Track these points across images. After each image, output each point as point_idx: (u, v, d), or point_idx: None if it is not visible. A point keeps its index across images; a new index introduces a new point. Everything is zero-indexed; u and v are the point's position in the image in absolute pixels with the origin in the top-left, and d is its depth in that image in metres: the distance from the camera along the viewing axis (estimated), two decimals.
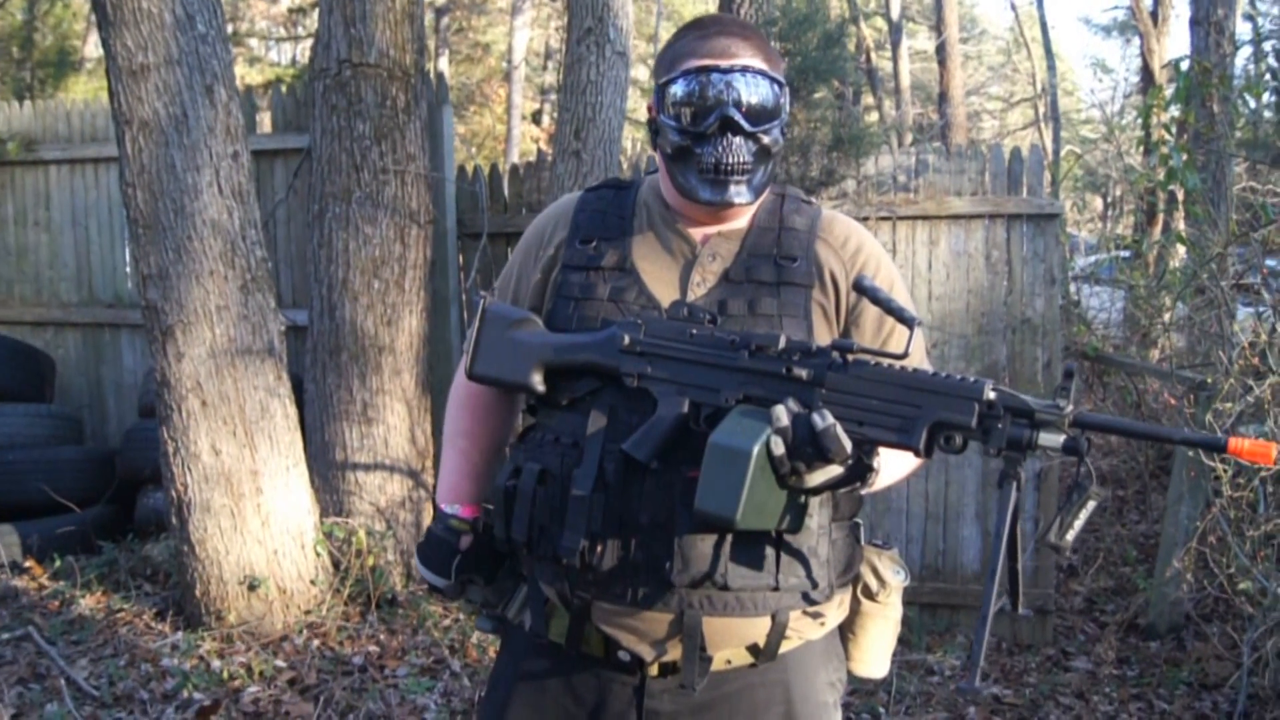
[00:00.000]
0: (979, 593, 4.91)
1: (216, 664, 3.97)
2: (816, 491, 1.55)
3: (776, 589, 1.58)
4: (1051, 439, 1.40)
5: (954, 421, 1.43)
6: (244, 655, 4.06)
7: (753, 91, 1.63)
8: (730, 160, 1.62)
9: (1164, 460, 6.42)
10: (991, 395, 1.42)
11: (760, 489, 1.46)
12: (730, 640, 1.62)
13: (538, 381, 1.67)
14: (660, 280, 1.71)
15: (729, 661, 1.64)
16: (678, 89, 1.65)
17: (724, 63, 1.63)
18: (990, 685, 4.36)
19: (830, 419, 1.44)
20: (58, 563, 4.91)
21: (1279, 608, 3.22)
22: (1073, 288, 6.86)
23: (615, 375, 1.62)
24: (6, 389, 5.64)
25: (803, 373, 1.52)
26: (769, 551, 1.57)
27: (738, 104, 1.62)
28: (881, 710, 4.03)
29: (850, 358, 1.50)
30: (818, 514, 1.61)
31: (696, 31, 1.69)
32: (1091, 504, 1.42)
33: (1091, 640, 4.94)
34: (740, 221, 1.75)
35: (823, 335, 1.68)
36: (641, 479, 1.57)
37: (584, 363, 1.64)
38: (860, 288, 1.55)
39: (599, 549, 1.57)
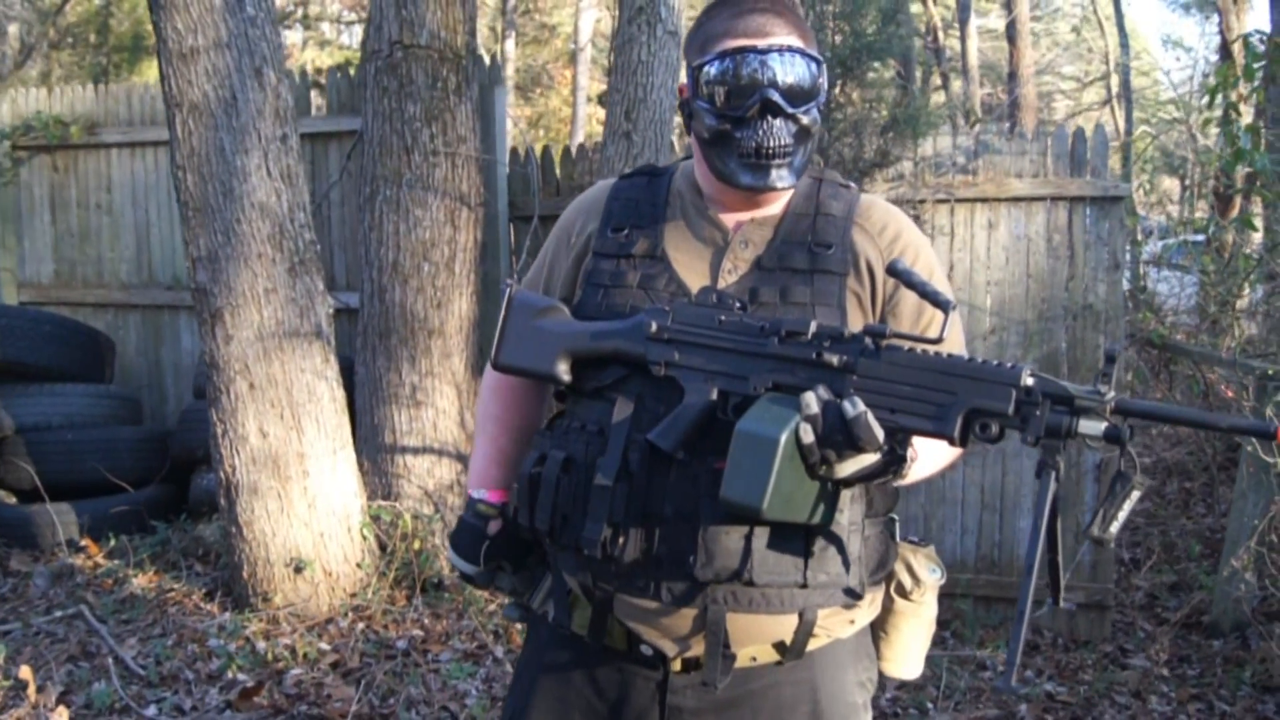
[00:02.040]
0: (1036, 586, 4.78)
1: (261, 645, 4.00)
2: (848, 483, 1.49)
3: (805, 586, 1.53)
4: (1092, 426, 1.34)
5: (990, 408, 1.38)
6: (289, 637, 4.08)
7: (791, 71, 1.57)
8: (771, 143, 1.57)
9: (1232, 452, 6.22)
10: (1030, 381, 1.37)
11: (788, 478, 1.41)
12: (756, 637, 1.58)
13: (564, 371, 1.64)
14: (691, 268, 1.67)
15: (754, 659, 1.61)
16: (713, 71, 1.59)
17: (761, 42, 1.57)
18: (1044, 682, 4.25)
19: (861, 406, 1.39)
20: (113, 542, 4.99)
21: None
22: (1142, 272, 6.67)
23: (642, 363, 1.58)
24: (67, 370, 5.73)
25: (833, 359, 1.46)
26: (798, 547, 1.52)
27: (776, 85, 1.56)
28: (930, 705, 3.95)
29: (883, 343, 1.45)
30: (849, 508, 1.56)
31: (729, 9, 1.63)
32: (1135, 494, 1.36)
33: (1151, 637, 4.79)
34: (775, 208, 1.69)
35: (857, 324, 1.62)
36: (666, 469, 1.53)
37: (611, 350, 1.61)
38: (894, 271, 1.50)
39: (621, 540, 1.54)
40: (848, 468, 1.45)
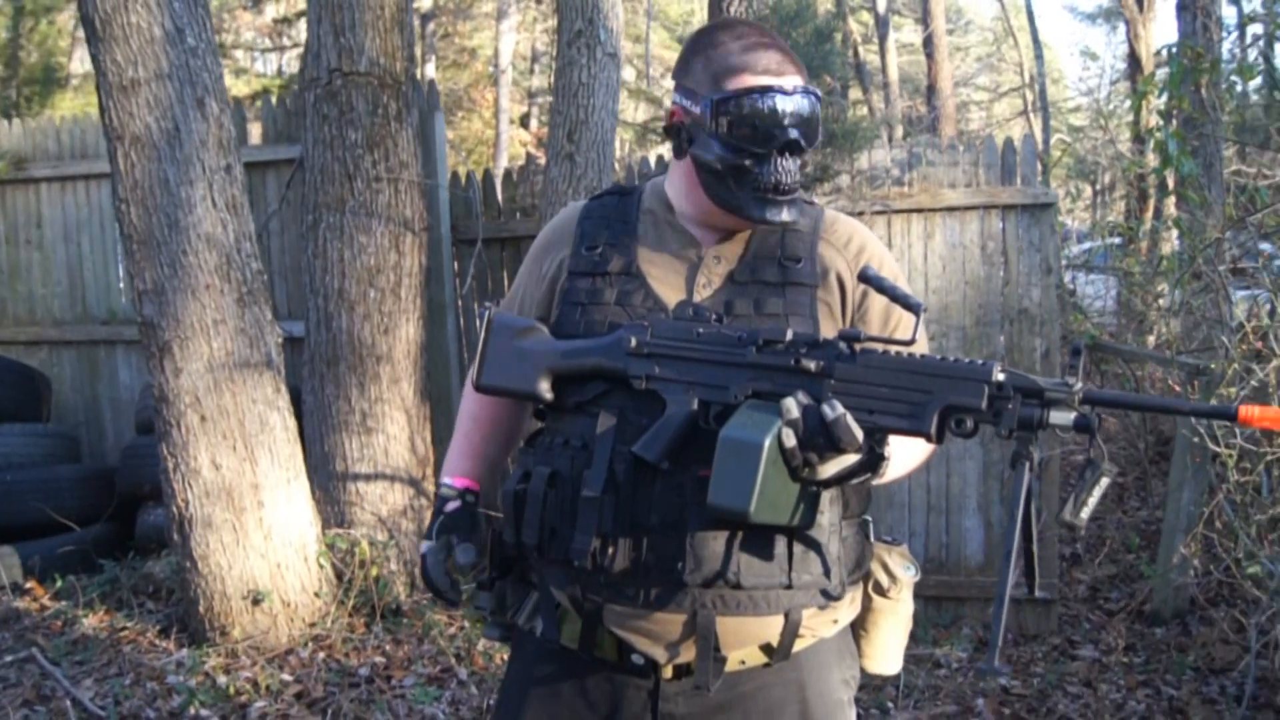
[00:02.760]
0: (983, 584, 4.91)
1: (222, 680, 3.96)
2: (829, 484, 1.54)
3: (790, 587, 1.58)
4: (1062, 417, 1.41)
5: (964, 405, 1.44)
6: (249, 670, 4.05)
7: (810, 113, 1.63)
8: (787, 180, 1.62)
9: (1163, 446, 6.43)
10: (1001, 376, 1.43)
11: (773, 482, 1.45)
12: (744, 640, 1.61)
13: (545, 389, 1.67)
14: (666, 284, 1.71)
15: (743, 662, 1.64)
16: (741, 106, 1.61)
17: (786, 83, 1.62)
18: (998, 676, 4.35)
19: (840, 409, 1.44)
20: (59, 583, 4.90)
21: None
22: (1067, 276, 6.86)
23: (622, 378, 1.62)
24: (3, 409, 5.62)
25: (810, 364, 1.52)
26: (781, 549, 1.57)
27: (799, 126, 1.61)
28: (890, 705, 4.03)
29: (858, 347, 1.51)
30: (829, 510, 1.61)
31: (736, 41, 1.67)
32: (1105, 481, 1.42)
33: (1097, 628, 4.94)
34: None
35: (829, 332, 1.67)
36: (652, 480, 1.57)
37: (592, 367, 1.64)
38: (865, 277, 1.57)
39: (610, 550, 1.57)
40: (829, 469, 1.51)
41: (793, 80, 1.63)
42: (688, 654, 1.60)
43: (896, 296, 1.54)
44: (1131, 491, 6.69)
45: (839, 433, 1.43)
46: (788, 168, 1.62)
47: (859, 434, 1.44)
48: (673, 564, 1.55)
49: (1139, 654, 4.49)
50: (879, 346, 1.52)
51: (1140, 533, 5.82)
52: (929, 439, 1.46)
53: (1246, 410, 1.38)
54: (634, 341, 1.61)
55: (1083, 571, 5.66)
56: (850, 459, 1.51)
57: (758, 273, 1.69)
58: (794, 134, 1.60)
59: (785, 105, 1.60)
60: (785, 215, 1.65)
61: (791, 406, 1.46)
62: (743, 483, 1.43)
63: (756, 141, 1.61)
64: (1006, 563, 1.41)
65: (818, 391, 1.50)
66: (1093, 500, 1.43)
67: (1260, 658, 3.74)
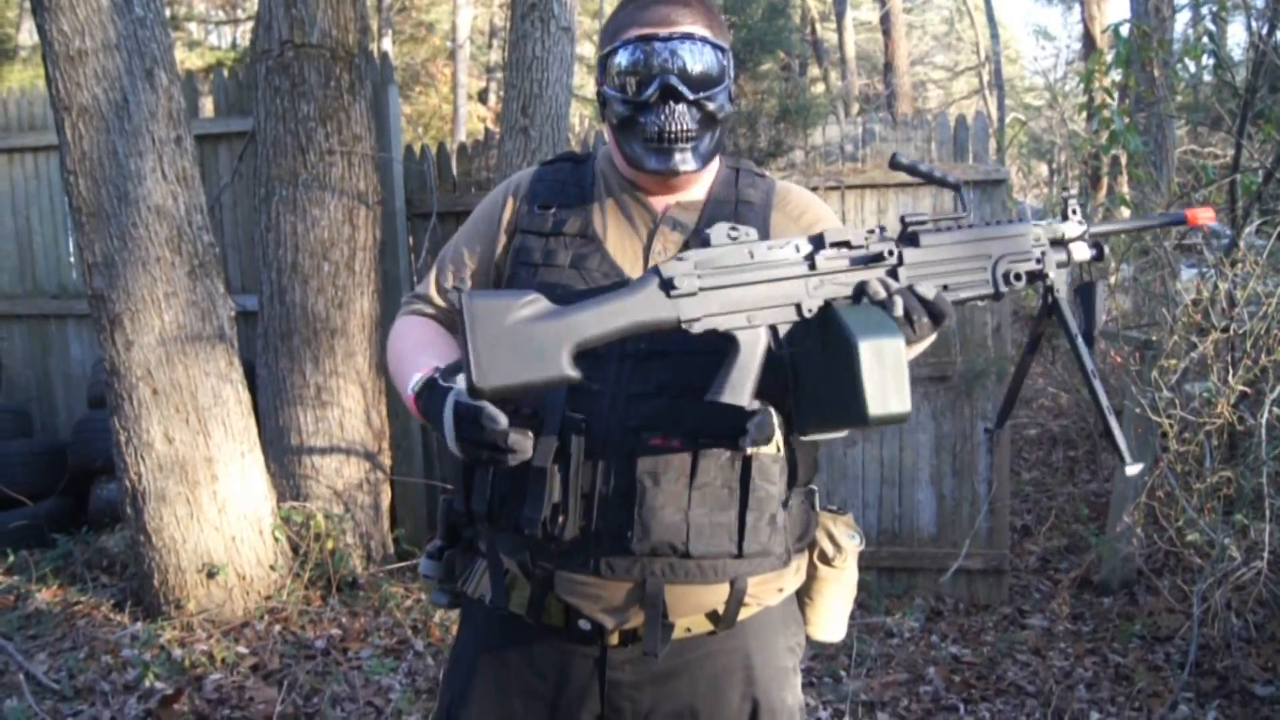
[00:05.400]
0: (935, 555, 4.99)
1: (178, 653, 3.95)
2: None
3: (739, 555, 1.58)
4: (1082, 251, 1.60)
5: (1020, 257, 1.56)
6: (205, 643, 4.04)
7: (694, 58, 1.62)
8: (673, 128, 1.61)
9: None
10: (1039, 230, 1.57)
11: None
12: (690, 608, 1.62)
13: (572, 369, 1.42)
14: (622, 248, 1.70)
15: (689, 630, 1.64)
16: (621, 59, 1.64)
17: (664, 30, 1.62)
18: (949, 645, 4.43)
19: (934, 288, 1.48)
20: (11, 558, 4.86)
21: (1226, 559, 3.30)
22: None
23: (671, 327, 1.47)
24: None
25: (883, 251, 1.52)
26: (731, 517, 1.57)
27: (679, 71, 1.61)
28: (843, 674, 4.09)
29: (916, 229, 1.55)
30: (779, 480, 1.62)
31: (637, 1, 1.68)
32: (1101, 294, 1.61)
33: (1046, 598, 5.03)
34: (698, 192, 1.75)
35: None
36: (603, 447, 1.56)
37: (628, 326, 1.46)
38: (896, 164, 1.62)
39: (560, 519, 1.56)
40: (917, 350, 1.59)
41: (676, 28, 1.63)
42: (635, 620, 1.61)
43: (934, 178, 1.62)
44: (1082, 464, 6.80)
45: (942, 307, 1.47)
46: (675, 114, 1.61)
47: (951, 306, 1.49)
48: (622, 532, 1.55)
49: (1087, 623, 4.58)
50: (929, 224, 1.56)
51: (1090, 505, 5.93)
52: (997, 298, 1.56)
53: (1191, 213, 1.67)
54: (679, 279, 1.47)
55: (1033, 543, 5.76)
56: (931, 338, 1.56)
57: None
58: (673, 79, 1.60)
59: (661, 51, 1.61)
60: (679, 164, 1.64)
61: (897, 301, 1.45)
62: (899, 384, 1.33)
63: (638, 90, 1.63)
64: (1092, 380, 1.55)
65: (895, 277, 1.52)
66: (1101, 316, 1.61)
67: (1202, 625, 3.83)
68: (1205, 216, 1.68)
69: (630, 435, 1.56)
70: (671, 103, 1.61)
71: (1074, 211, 1.60)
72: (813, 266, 1.51)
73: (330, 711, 3.59)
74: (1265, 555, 3.20)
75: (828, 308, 1.47)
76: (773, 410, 1.57)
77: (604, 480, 1.57)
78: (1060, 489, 6.26)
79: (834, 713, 3.72)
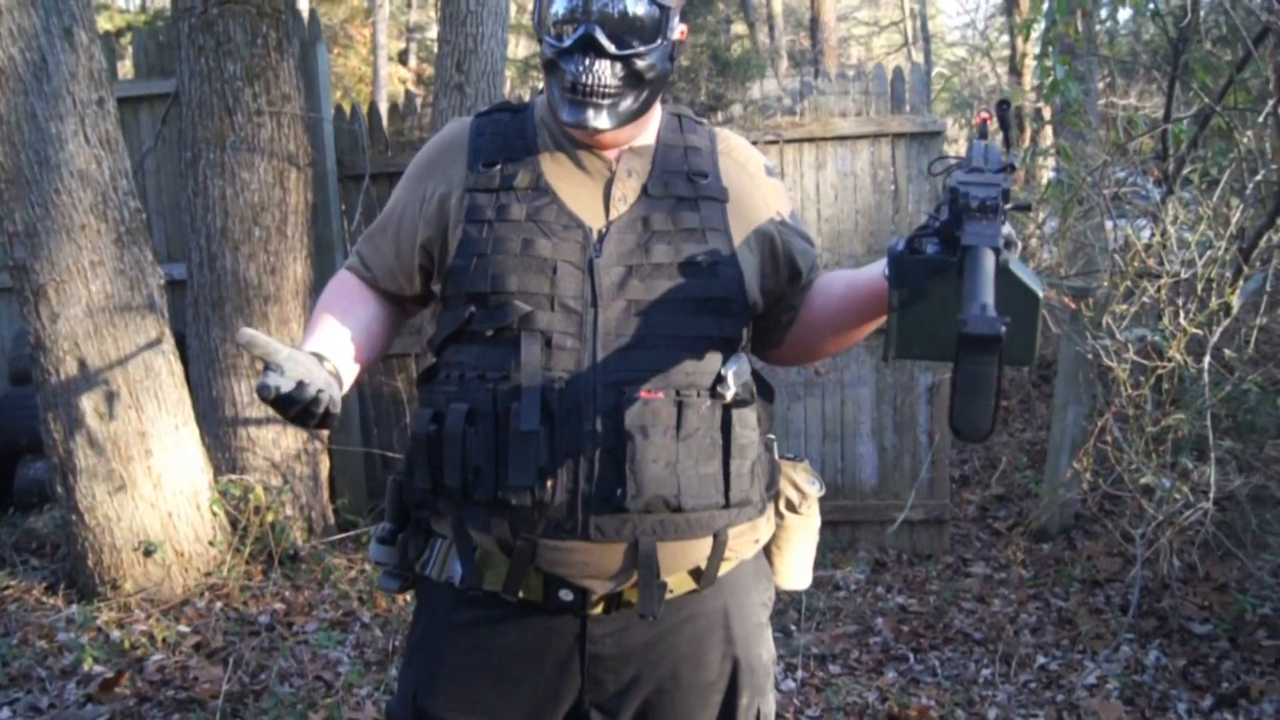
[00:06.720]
0: (878, 507, 5.03)
1: (116, 634, 3.84)
2: None
3: (726, 506, 1.56)
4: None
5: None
6: (144, 623, 3.94)
7: (621, 10, 1.55)
8: (588, 81, 1.54)
9: (1045, 369, 6.64)
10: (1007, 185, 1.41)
11: None
12: (680, 564, 1.58)
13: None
14: (578, 198, 1.63)
15: (671, 590, 1.60)
16: (556, 5, 1.57)
17: None
18: (895, 596, 4.48)
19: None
20: None
21: (1170, 501, 3.36)
22: None
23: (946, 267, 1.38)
24: None
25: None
26: (716, 467, 1.54)
27: (603, 22, 1.53)
28: (793, 627, 4.11)
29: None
30: (756, 425, 1.60)
31: None
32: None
33: (987, 546, 5.11)
34: (647, 138, 1.69)
35: (743, 247, 1.65)
36: (588, 407, 1.51)
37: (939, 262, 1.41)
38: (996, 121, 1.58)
39: (549, 483, 1.50)
40: None
41: None
42: (624, 583, 1.56)
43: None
44: (1016, 414, 6.91)
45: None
46: (592, 68, 1.54)
47: None
48: (612, 491, 1.50)
49: (1028, 569, 4.66)
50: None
51: (1026, 453, 6.03)
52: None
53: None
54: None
55: (971, 493, 5.84)
56: None
57: (670, 187, 1.64)
58: (594, 30, 1.53)
59: (587, 3, 1.54)
60: (590, 118, 1.56)
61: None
62: (1032, 336, 1.39)
63: (560, 37, 1.56)
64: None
65: None
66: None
67: (1145, 567, 3.90)
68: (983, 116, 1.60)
69: (613, 390, 1.51)
70: (591, 55, 1.53)
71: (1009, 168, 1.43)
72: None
73: (279, 687, 3.51)
74: (1211, 497, 3.26)
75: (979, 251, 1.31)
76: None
77: (590, 438, 1.51)
78: (995, 439, 6.34)
79: (786, 666, 3.73)
